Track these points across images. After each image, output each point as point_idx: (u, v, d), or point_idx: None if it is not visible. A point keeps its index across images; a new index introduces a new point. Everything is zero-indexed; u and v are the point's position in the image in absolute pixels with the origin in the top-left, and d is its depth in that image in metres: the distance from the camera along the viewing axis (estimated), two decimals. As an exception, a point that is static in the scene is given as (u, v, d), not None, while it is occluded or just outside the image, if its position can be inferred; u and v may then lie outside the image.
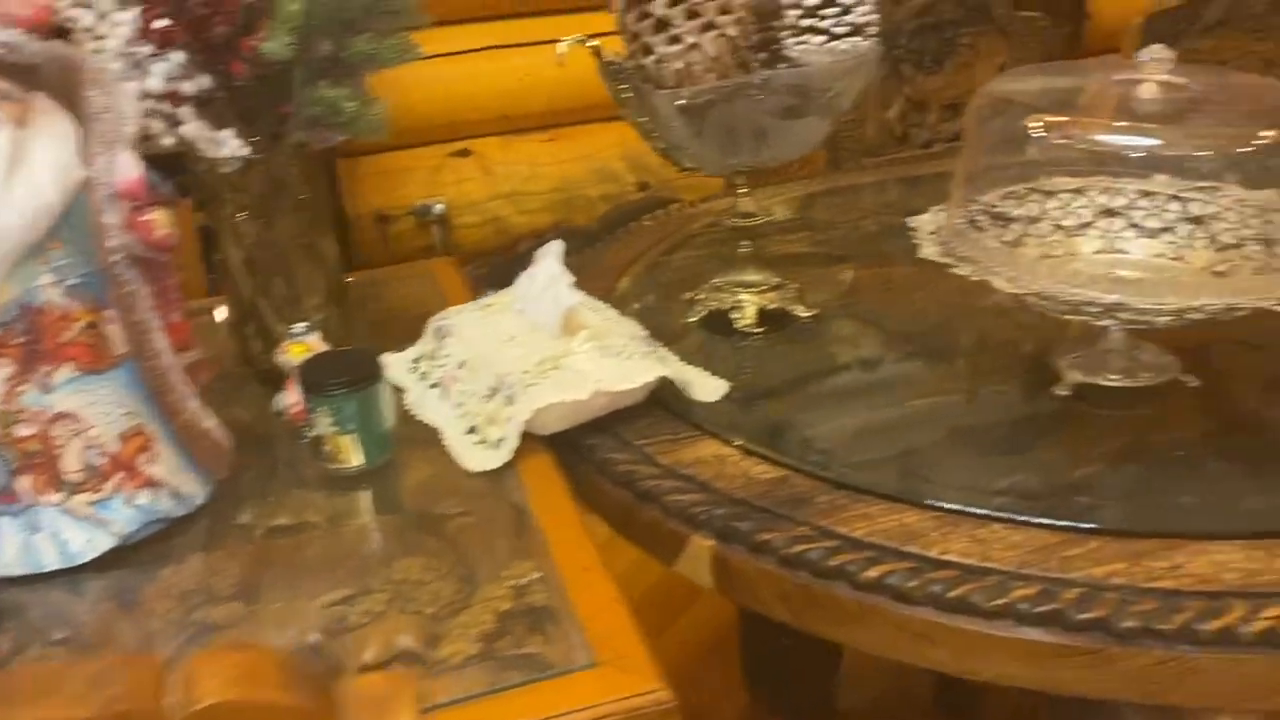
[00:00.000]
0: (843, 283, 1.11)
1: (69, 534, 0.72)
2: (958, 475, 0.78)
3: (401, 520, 0.79)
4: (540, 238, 1.44)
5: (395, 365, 0.95)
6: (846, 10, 0.87)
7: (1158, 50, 0.76)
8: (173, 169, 0.92)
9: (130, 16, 0.78)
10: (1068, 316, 0.77)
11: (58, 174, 0.67)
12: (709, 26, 0.86)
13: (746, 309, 0.99)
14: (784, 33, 0.90)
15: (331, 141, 0.87)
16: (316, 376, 0.79)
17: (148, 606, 0.70)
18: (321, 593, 0.70)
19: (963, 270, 0.79)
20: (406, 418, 0.88)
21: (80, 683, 0.50)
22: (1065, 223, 0.91)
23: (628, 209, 2.41)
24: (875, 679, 1.51)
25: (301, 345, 0.85)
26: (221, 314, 0.99)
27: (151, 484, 0.74)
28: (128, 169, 0.69)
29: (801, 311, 1.00)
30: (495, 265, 1.40)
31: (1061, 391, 0.84)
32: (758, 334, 0.98)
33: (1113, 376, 0.83)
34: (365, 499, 0.81)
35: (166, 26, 0.79)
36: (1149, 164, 0.83)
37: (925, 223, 0.87)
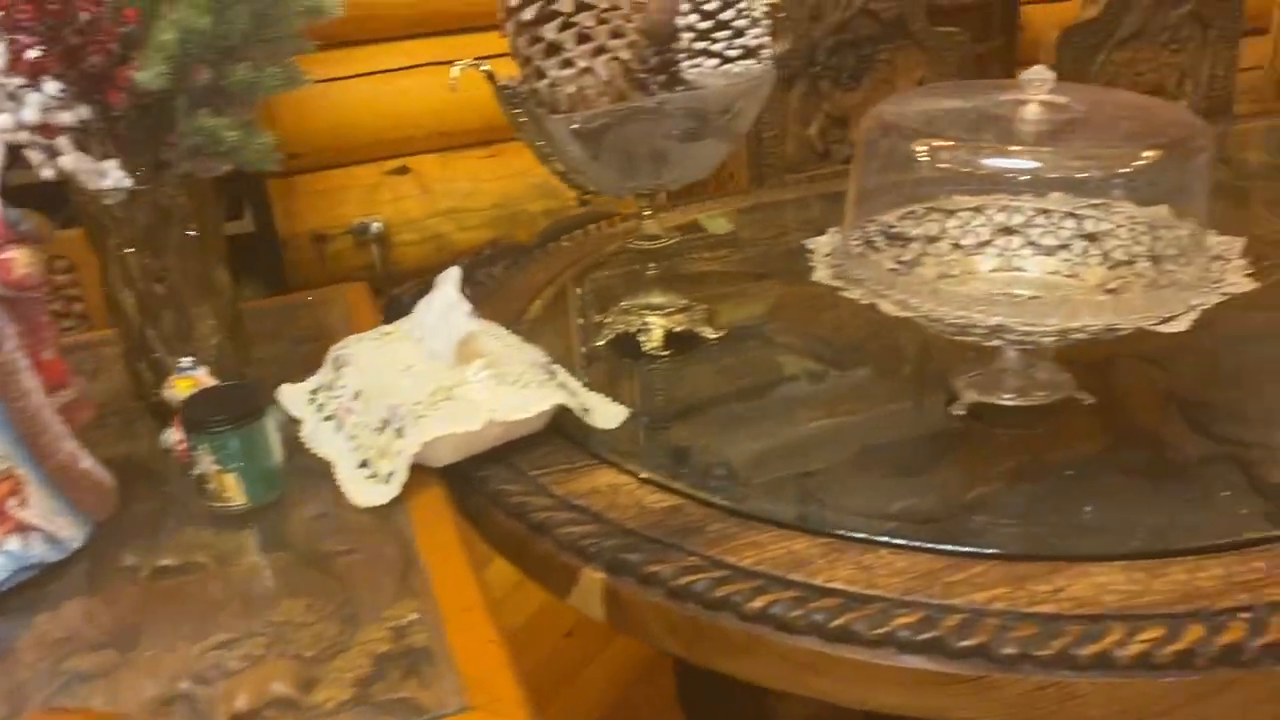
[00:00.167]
0: (756, 302, 1.11)
1: (-67, 584, 0.69)
2: (853, 499, 0.78)
3: (290, 559, 0.77)
4: (479, 254, 1.42)
5: (293, 397, 0.93)
6: (739, 34, 0.86)
7: (1039, 71, 0.76)
8: (58, 200, 0.90)
9: (-1, 48, 0.76)
10: (957, 337, 0.77)
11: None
12: (601, 50, 0.85)
13: (653, 332, 0.98)
14: (680, 56, 0.89)
15: (216, 171, 0.85)
16: (198, 413, 0.77)
17: (17, 656, 0.68)
18: (202, 637, 0.68)
19: (852, 293, 0.79)
20: (303, 451, 0.87)
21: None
22: (964, 241, 0.91)
23: (566, 223, 2.40)
24: (810, 699, 1.51)
25: (188, 380, 0.83)
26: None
27: (22, 529, 0.72)
28: (-16, 207, 0.67)
29: (710, 333, 1.00)
30: (403, 292, 1.37)
31: (957, 411, 0.84)
32: (665, 357, 0.98)
33: (1007, 396, 0.83)
34: (254, 537, 0.79)
35: (38, 57, 0.77)
36: (1030, 185, 0.83)
37: (823, 244, 0.87)
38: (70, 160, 0.81)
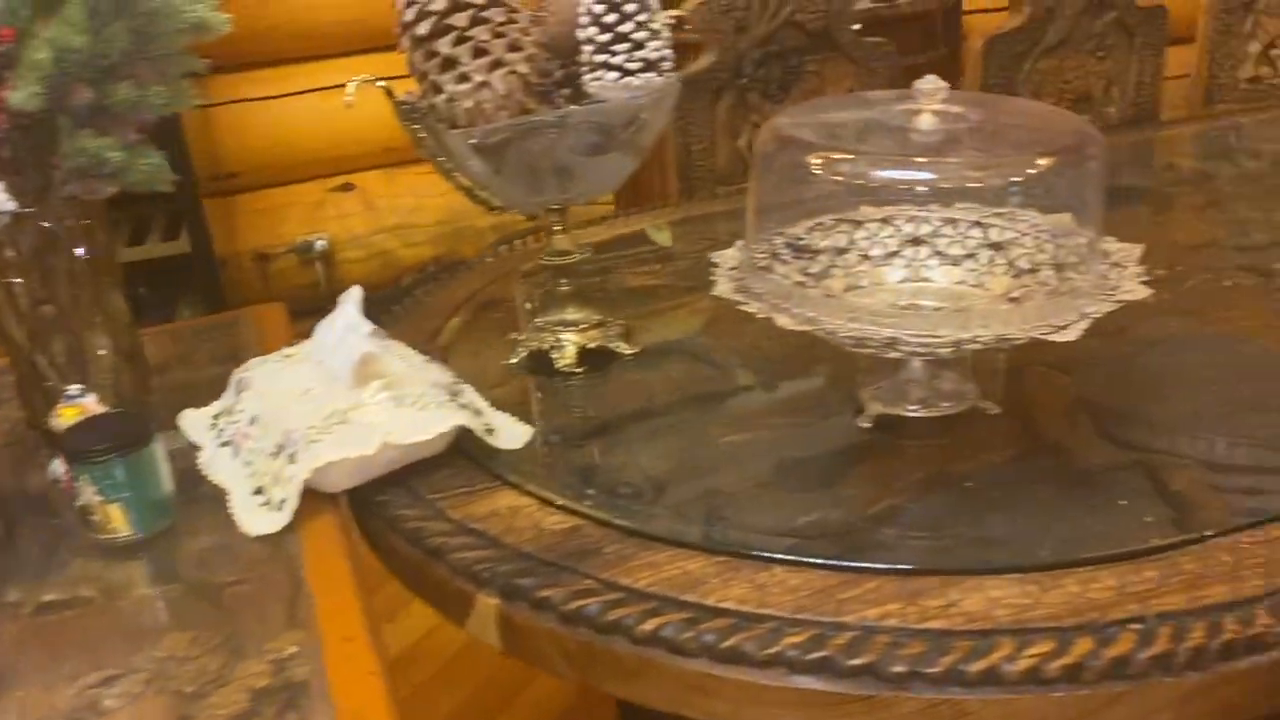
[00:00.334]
0: (677, 317, 1.10)
1: None
2: (758, 515, 0.77)
3: (179, 590, 0.75)
4: (424, 270, 1.40)
5: (195, 422, 0.91)
6: (638, 46, 0.85)
7: (931, 81, 0.76)
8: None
9: None
10: (856, 350, 0.76)
11: None
12: (498, 64, 0.84)
13: (566, 349, 0.97)
14: (582, 69, 0.88)
15: (104, 193, 0.83)
16: (80, 442, 0.75)
17: (-116, 703, 0.65)
18: (82, 674, 0.66)
19: (751, 307, 0.78)
20: (202, 478, 0.84)
21: None
22: (872, 253, 0.90)
23: (515, 238, 2.38)
24: None
25: (74, 408, 0.80)
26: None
27: (-109, 568, 0.69)
28: None
29: (625, 349, 0.99)
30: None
31: (863, 424, 0.83)
32: (578, 374, 0.96)
33: (912, 407, 0.83)
34: (144, 569, 0.76)
35: (-89, 78, 0.75)
36: (931, 196, 0.83)
37: (728, 258, 0.86)
38: (-51, 183, 0.78)
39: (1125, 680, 0.59)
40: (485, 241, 2.87)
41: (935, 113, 0.75)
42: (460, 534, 0.75)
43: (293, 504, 0.76)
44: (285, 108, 2.63)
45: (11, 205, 0.80)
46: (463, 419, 0.81)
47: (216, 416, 0.91)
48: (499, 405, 0.91)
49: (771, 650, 0.62)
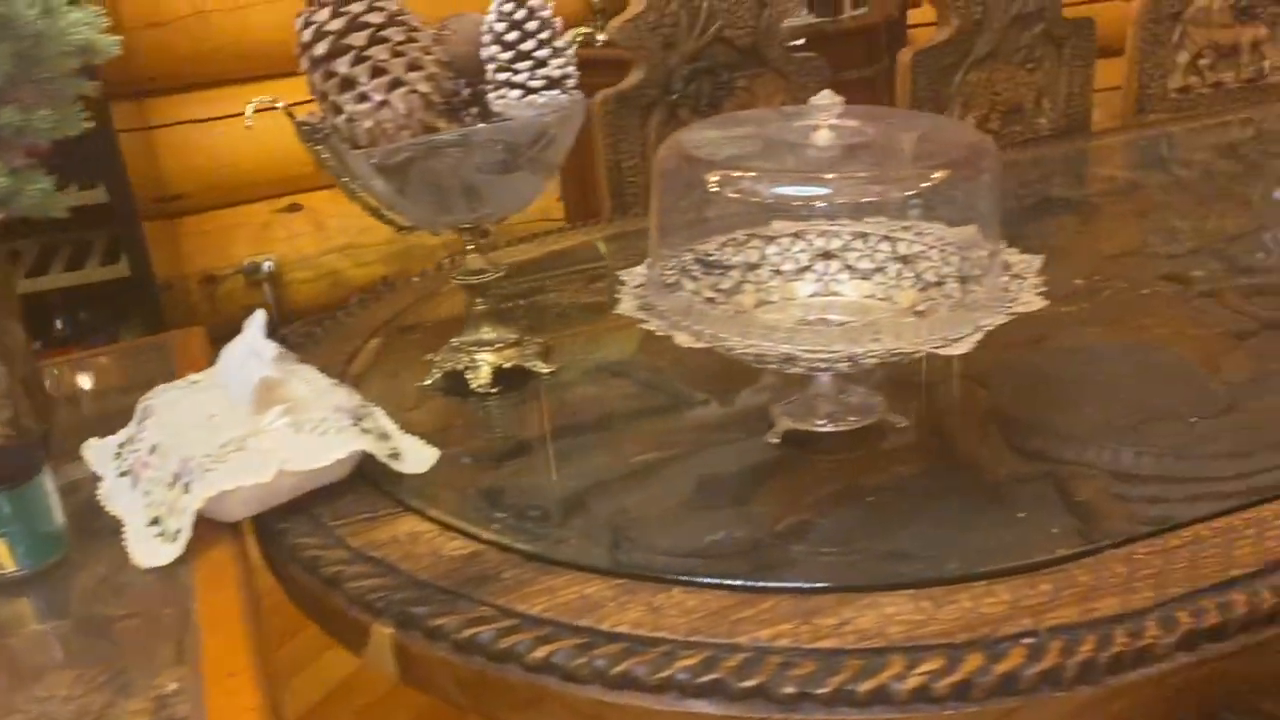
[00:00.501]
0: (600, 334, 1.09)
1: None
2: (665, 536, 0.76)
3: (68, 627, 0.72)
4: (372, 290, 1.38)
5: (99, 452, 0.89)
6: (541, 64, 0.85)
7: (827, 96, 0.75)
8: None
9: None
10: (758, 366, 0.76)
11: None
12: (397, 83, 0.83)
13: (481, 369, 0.96)
14: (487, 88, 0.87)
15: (-9, 220, 0.81)
16: (-37, 477, 0.73)
17: None
18: (-41, 718, 0.64)
19: (651, 325, 0.77)
20: (101, 510, 0.82)
21: None
22: (784, 267, 0.90)
23: (457, 255, 2.37)
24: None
25: (-37, 441, 0.78)
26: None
27: None
28: None
29: (542, 368, 0.98)
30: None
31: (772, 440, 0.82)
32: (493, 395, 0.95)
33: (820, 422, 0.82)
34: (31, 605, 0.74)
35: None
36: (822, 212, 0.82)
37: (636, 275, 0.85)
38: None
39: (1015, 696, 0.59)
40: (435, 259, 2.84)
41: (832, 128, 0.75)
42: (358, 562, 0.73)
43: (186, 535, 0.74)
44: (230, 128, 2.61)
45: (-103, 233, 0.78)
46: (364, 444, 0.80)
47: (122, 445, 0.89)
48: (412, 428, 0.90)
49: (663, 675, 0.61)
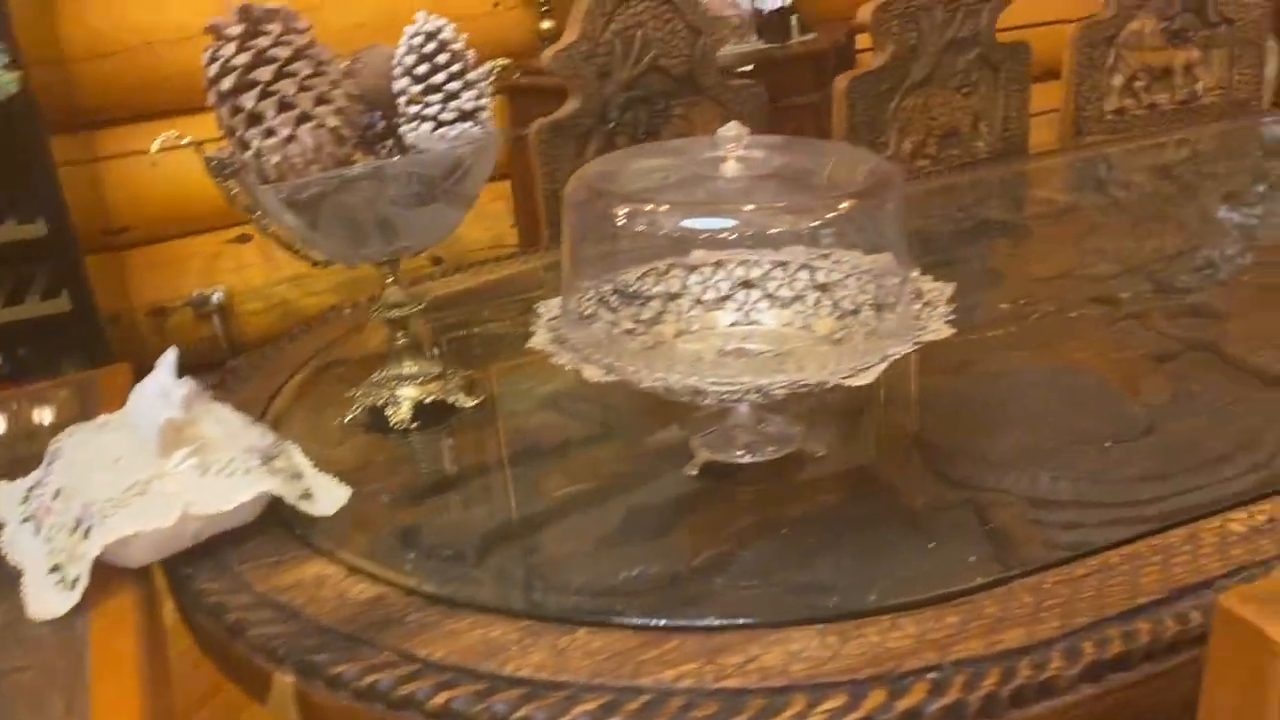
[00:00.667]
0: (529, 366, 1.08)
1: None
2: (578, 573, 0.75)
3: (-41, 682, 0.70)
4: (323, 320, 1.36)
5: (5, 497, 0.86)
6: (452, 97, 0.84)
7: (733, 128, 0.75)
8: None
9: None
10: (669, 399, 0.75)
11: None
12: (305, 118, 0.82)
13: (402, 405, 0.94)
14: (399, 120, 0.87)
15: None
16: None
17: None
18: None
19: (561, 359, 0.76)
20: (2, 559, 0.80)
21: None
22: (705, 297, 0.90)
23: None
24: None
25: None
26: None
27: None
28: None
29: (465, 402, 0.96)
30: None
31: (690, 472, 0.81)
32: (413, 431, 0.94)
33: (739, 453, 0.81)
34: (-77, 660, 0.72)
35: None
36: (732, 243, 0.82)
37: (551, 308, 0.84)
38: None
39: (917, 733, 0.58)
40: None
41: (739, 159, 0.75)
42: (262, 608, 0.71)
43: (84, 583, 0.72)
44: (177, 159, 2.56)
45: None
46: (272, 486, 0.78)
47: (30, 490, 0.86)
48: (332, 465, 0.88)
49: None
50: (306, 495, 0.82)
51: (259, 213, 0.86)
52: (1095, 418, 0.89)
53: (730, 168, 0.75)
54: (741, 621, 0.65)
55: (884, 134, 1.58)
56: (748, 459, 0.81)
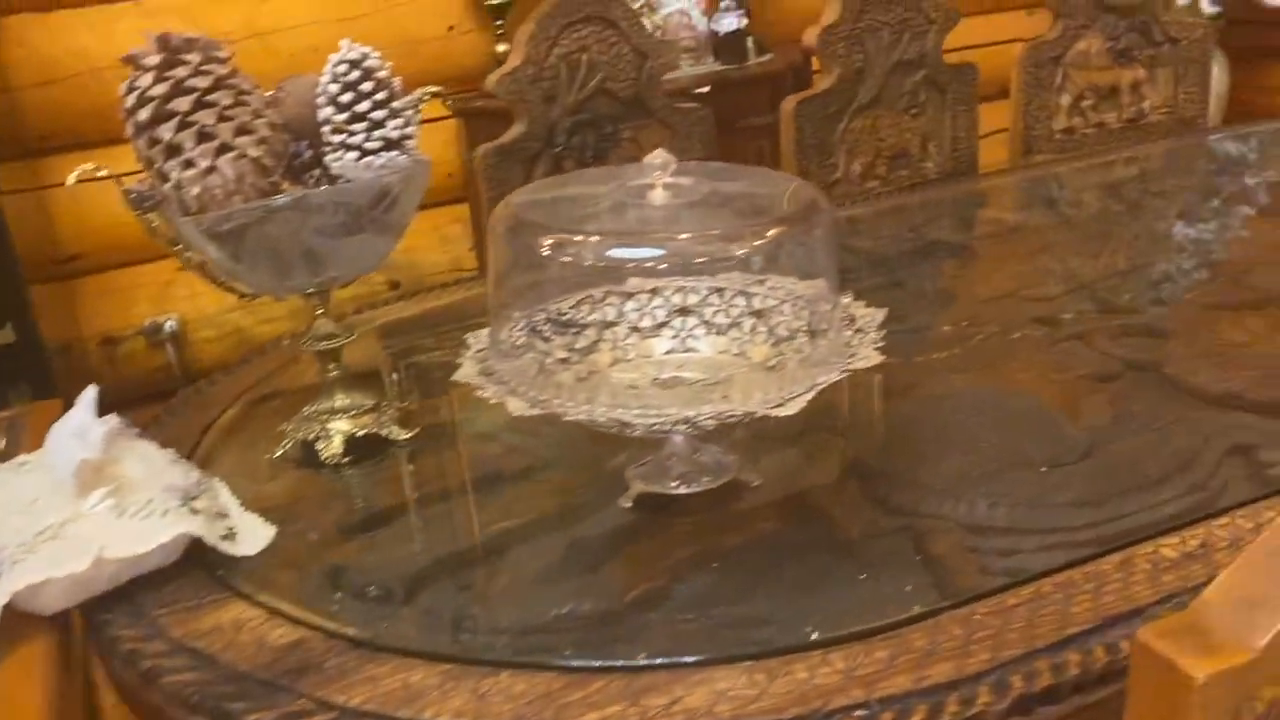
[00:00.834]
0: (467, 397, 1.06)
1: None
2: (508, 612, 0.73)
3: None
4: (261, 351, 1.34)
5: (-81, 542, 0.83)
6: (378, 125, 0.83)
7: (660, 155, 0.74)
8: None
9: None
10: (599, 430, 0.73)
11: None
12: (225, 149, 0.80)
13: (333, 439, 0.92)
14: (324, 149, 0.85)
15: None
16: None
17: None
18: None
19: (486, 392, 0.74)
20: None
21: None
22: (641, 324, 0.88)
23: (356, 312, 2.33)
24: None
25: None
26: None
27: None
28: None
29: (399, 435, 0.94)
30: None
31: (624, 504, 0.80)
32: (345, 465, 0.92)
33: (673, 483, 0.80)
34: None
35: None
36: (658, 273, 0.81)
37: (481, 338, 0.83)
38: None
39: (844, 773, 0.56)
40: (342, 313, 2.79)
41: (666, 187, 0.74)
42: (177, 654, 0.69)
43: (-10, 633, 0.70)
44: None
45: None
46: (192, 526, 0.76)
47: (-57, 534, 0.83)
48: (262, 502, 0.86)
49: (481, 767, 0.58)
50: (229, 535, 0.79)
51: (181, 246, 0.84)
52: (1034, 441, 0.89)
53: (658, 195, 0.74)
54: (669, 660, 0.64)
55: (833, 155, 1.58)
56: (683, 490, 0.80)
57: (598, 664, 0.64)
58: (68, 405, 1.04)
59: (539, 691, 0.62)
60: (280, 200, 0.81)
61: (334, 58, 0.83)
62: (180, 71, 0.79)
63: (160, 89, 0.79)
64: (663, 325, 0.89)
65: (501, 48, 2.68)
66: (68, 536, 0.73)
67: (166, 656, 0.69)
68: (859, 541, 0.79)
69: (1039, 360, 1.04)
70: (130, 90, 0.80)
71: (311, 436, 0.93)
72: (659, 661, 0.64)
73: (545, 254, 0.72)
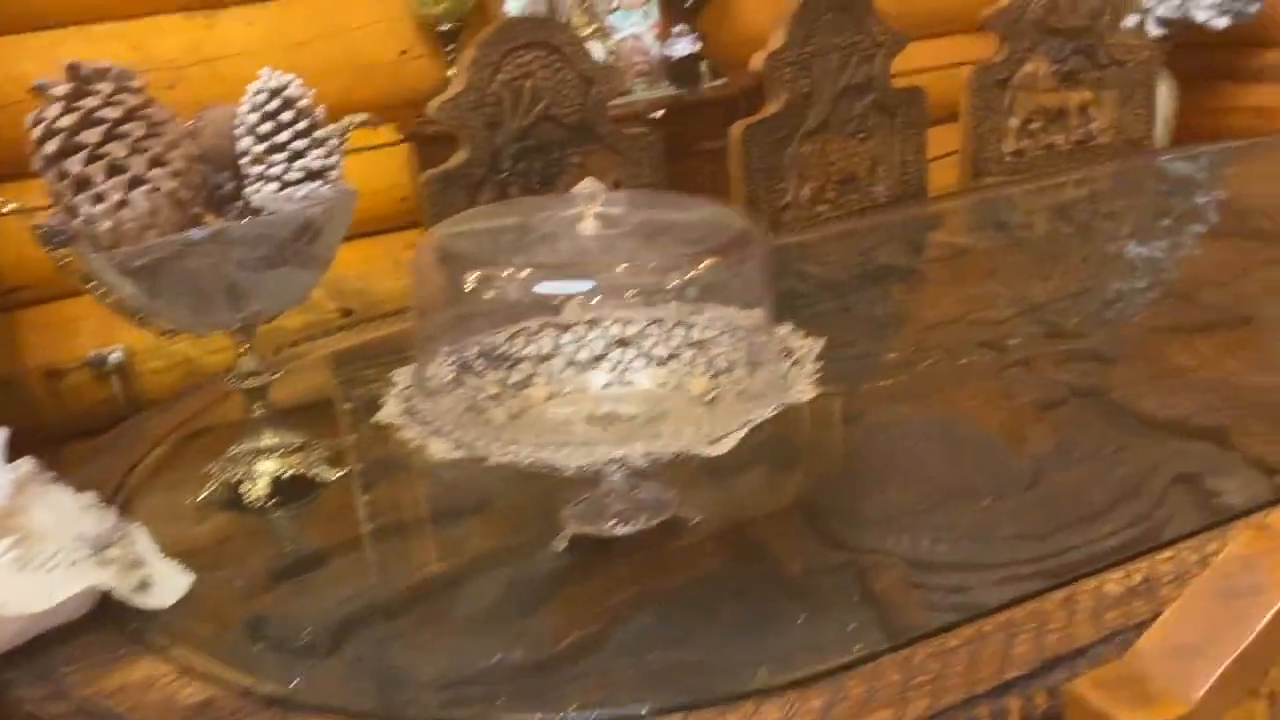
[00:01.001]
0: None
1: None
2: (434, 663, 0.70)
3: None
4: (196, 387, 1.30)
5: None
6: (298, 155, 0.80)
7: (589, 184, 0.72)
8: None
9: None
10: (530, 470, 0.71)
11: None
12: (138, 181, 0.77)
13: (258, 480, 0.89)
14: (244, 181, 0.82)
15: None
16: None
17: None
18: None
19: (409, 433, 0.71)
20: None
21: None
22: (579, 357, 0.86)
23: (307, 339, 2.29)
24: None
25: None
26: None
27: None
28: None
29: (327, 475, 0.91)
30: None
31: (558, 547, 0.77)
32: (272, 507, 0.88)
33: (609, 524, 0.77)
34: None
35: None
36: (590, 305, 0.79)
37: (408, 376, 0.80)
38: None
39: (777, 832, 0.54)
40: (288, 342, 2.74)
41: (597, 216, 0.72)
42: (80, 716, 0.65)
43: (-123, 698, 0.65)
44: (71, 216, 2.47)
45: None
46: (100, 579, 0.72)
47: None
48: (182, 548, 0.82)
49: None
50: (144, 585, 0.76)
51: (95, 283, 0.81)
52: (980, 471, 0.87)
53: (588, 225, 0.72)
54: (603, 713, 0.61)
55: (783, 180, 1.57)
56: (620, 530, 0.77)
57: (529, 717, 0.61)
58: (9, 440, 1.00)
59: (460, 750, 0.60)
60: (197, 234, 0.78)
61: (253, 87, 0.80)
62: (90, 102, 0.76)
63: (68, 120, 0.76)
64: (601, 358, 0.86)
65: (453, 72, 2.66)
66: (-34, 592, 0.69)
67: (68, 718, 0.65)
68: (801, 578, 0.77)
69: (985, 387, 1.03)
70: (37, 122, 0.77)
71: (236, 478, 0.89)
72: (593, 716, 0.61)
73: (471, 288, 0.69)
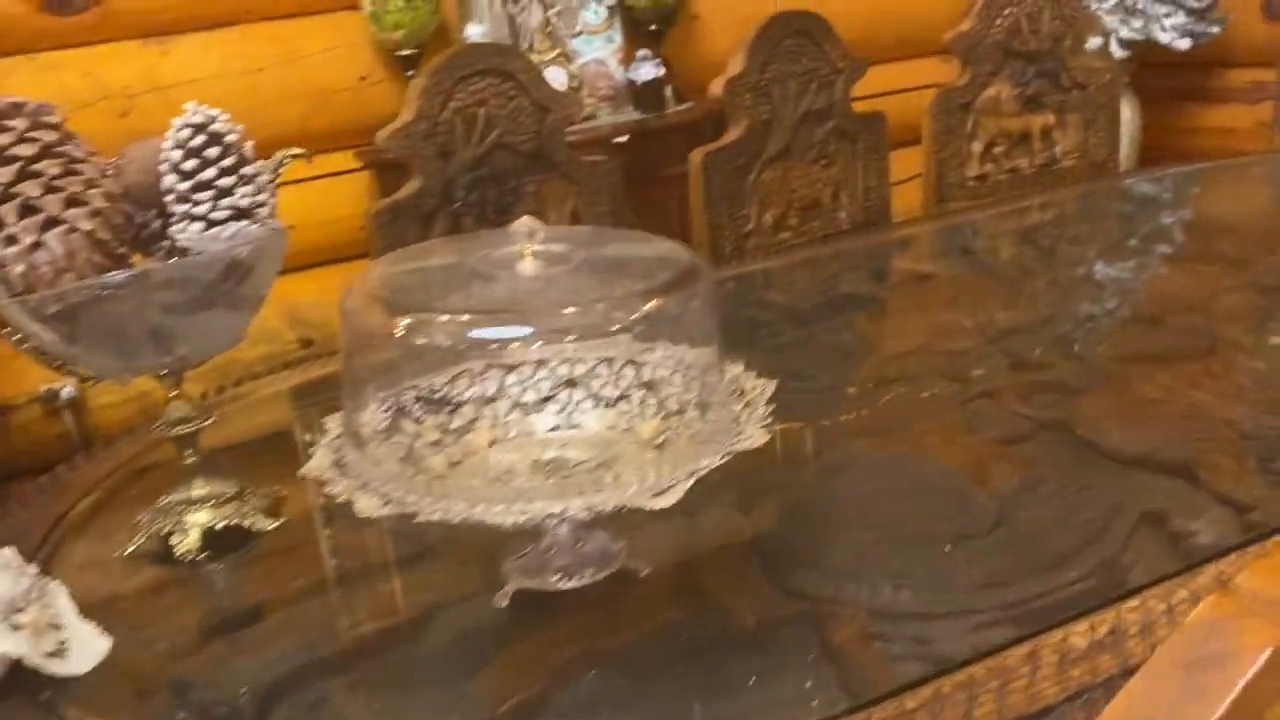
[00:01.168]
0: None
1: None
2: (367, 730, 0.66)
3: None
4: (130, 432, 1.25)
5: None
6: (225, 193, 0.76)
7: (527, 223, 0.69)
8: None
9: None
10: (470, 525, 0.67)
11: None
12: (53, 222, 0.73)
13: (189, 532, 0.84)
14: (169, 220, 0.78)
15: None
16: None
17: None
18: None
19: (336, 488, 0.68)
20: None
21: None
22: (525, 399, 0.82)
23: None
24: None
25: None
26: None
27: None
28: None
29: (263, 525, 0.87)
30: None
31: (500, 604, 0.73)
32: (204, 560, 0.84)
33: (553, 577, 0.74)
34: None
35: None
36: (530, 352, 0.76)
37: (339, 423, 0.76)
38: None
39: None
40: (254, 374, 2.69)
41: (536, 255, 0.68)
42: (-22, 801, 0.61)
43: None
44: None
45: None
46: (7, 646, 0.68)
47: None
48: (107, 606, 0.78)
49: None
50: (60, 651, 0.71)
51: (8, 329, 0.77)
52: (941, 512, 0.84)
53: (527, 265, 0.68)
54: (534, 789, 0.57)
55: (745, 207, 1.55)
56: (565, 584, 0.74)
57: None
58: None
59: (385, 834, 0.55)
60: (117, 277, 0.74)
61: (177, 122, 0.77)
62: (2, 139, 0.72)
63: (-23, 159, 0.72)
64: (548, 399, 0.83)
65: (415, 98, 2.63)
66: None
67: (-34, 804, 0.61)
68: (756, 632, 0.73)
69: (947, 422, 1.00)
70: (-56, 160, 0.73)
71: (166, 530, 0.85)
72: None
73: (401, 334, 0.66)
